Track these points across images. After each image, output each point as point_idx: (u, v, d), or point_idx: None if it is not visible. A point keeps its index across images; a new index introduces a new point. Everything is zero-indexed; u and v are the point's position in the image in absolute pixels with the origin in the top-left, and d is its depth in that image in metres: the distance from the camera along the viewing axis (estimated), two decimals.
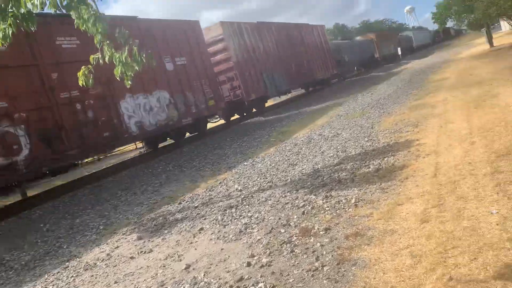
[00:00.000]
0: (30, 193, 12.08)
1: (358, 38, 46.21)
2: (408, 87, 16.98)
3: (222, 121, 19.68)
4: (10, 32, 3.46)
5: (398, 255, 3.61)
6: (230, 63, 18.70)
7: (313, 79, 27.12)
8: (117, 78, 3.56)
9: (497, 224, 3.64)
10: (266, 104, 22.99)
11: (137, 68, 3.48)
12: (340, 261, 3.73)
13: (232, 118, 20.48)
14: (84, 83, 3.55)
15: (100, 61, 3.46)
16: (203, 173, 9.80)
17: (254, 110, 21.39)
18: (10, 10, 3.32)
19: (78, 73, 3.53)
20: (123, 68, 3.39)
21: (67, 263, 5.72)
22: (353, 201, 5.16)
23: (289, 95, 27.25)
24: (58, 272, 5.46)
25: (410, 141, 7.43)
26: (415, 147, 6.95)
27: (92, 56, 3.49)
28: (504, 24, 42.44)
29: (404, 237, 3.92)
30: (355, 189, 5.63)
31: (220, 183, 8.24)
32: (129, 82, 3.59)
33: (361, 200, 5.16)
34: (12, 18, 3.37)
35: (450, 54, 34.50)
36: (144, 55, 3.46)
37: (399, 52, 48.51)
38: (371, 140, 8.30)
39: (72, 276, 5.16)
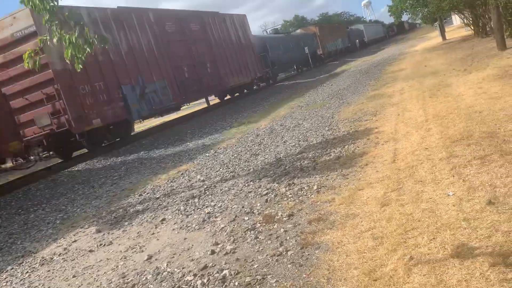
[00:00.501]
0: None
1: (298, 31, 40.50)
2: (366, 78, 17.34)
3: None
4: None
5: (360, 237, 3.67)
6: (49, 72, 11.42)
7: (223, 86, 20.89)
8: (67, 61, 3.37)
9: (454, 205, 3.77)
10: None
11: (89, 50, 3.31)
12: (304, 246, 3.75)
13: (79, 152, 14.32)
14: (30, 66, 3.34)
15: (48, 43, 3.26)
16: (164, 165, 9.62)
17: (106, 142, 14.05)
18: None
19: (23, 55, 3.32)
20: (73, 51, 3.20)
21: (21, 259, 5.45)
22: (315, 187, 5.21)
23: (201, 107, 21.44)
24: (12, 268, 5.20)
25: (370, 129, 7.59)
26: (374, 135, 7.10)
27: (39, 38, 3.29)
28: (455, 18, 44.11)
29: (366, 220, 3.99)
30: (317, 176, 5.69)
31: (182, 174, 8.12)
32: (80, 66, 3.41)
33: (323, 186, 5.21)
34: None
35: (405, 47, 35.56)
36: (96, 36, 3.30)
37: (357, 44, 48.88)
38: (332, 129, 8.42)
39: (27, 272, 4.92)
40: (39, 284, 4.47)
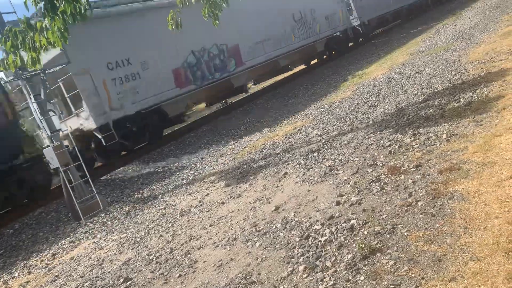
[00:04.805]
0: None
1: None
2: (498, 13, 15.29)
3: None
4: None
5: (500, 186, 3.38)
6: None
7: None
8: (205, 18, 3.54)
9: None
10: None
11: (224, 5, 3.42)
12: (435, 196, 3.59)
13: None
14: (172, 27, 3.59)
15: (186, 3, 3.46)
16: (280, 123, 9.82)
17: None
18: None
19: (167, 18, 3.57)
20: (209, 9, 3.34)
21: (164, 211, 6.15)
22: (444, 136, 4.88)
23: None
24: (157, 219, 5.89)
25: (505, 70, 6.76)
26: None
27: None
28: None
29: (506, 168, 3.64)
30: (445, 124, 5.31)
31: (298, 130, 8.22)
32: (217, 22, 3.56)
33: (453, 134, 4.86)
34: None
35: None
36: None
37: None
38: (459, 73, 7.69)
39: (170, 222, 5.54)
40: (182, 232, 5.01)
